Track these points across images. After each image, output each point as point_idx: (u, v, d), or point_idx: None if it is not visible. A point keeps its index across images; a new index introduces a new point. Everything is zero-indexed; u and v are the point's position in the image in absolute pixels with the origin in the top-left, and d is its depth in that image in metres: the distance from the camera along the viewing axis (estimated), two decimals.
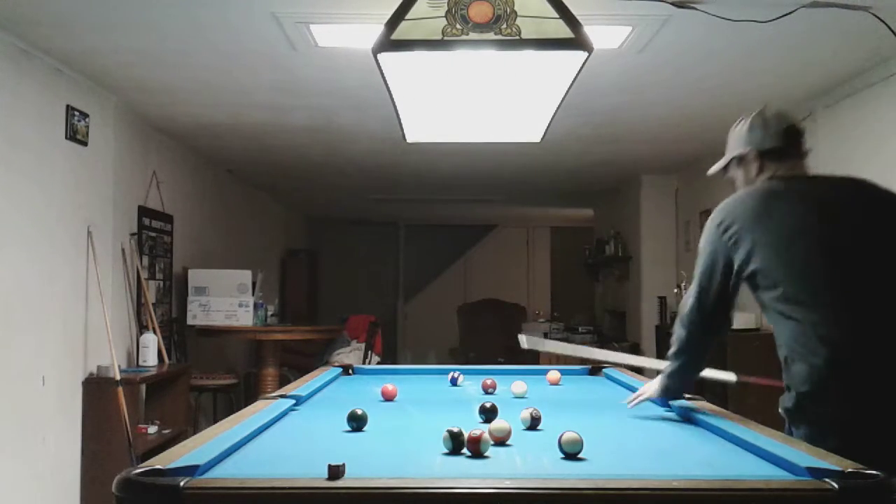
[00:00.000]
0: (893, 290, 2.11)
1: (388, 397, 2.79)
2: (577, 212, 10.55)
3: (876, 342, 2.05)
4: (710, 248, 2.23)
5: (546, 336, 8.16)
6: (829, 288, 2.09)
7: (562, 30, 2.32)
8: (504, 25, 2.31)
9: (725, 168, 2.41)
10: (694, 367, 2.37)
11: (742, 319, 5.29)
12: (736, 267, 2.17)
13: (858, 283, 2.10)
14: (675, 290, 6.52)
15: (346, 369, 3.70)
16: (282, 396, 2.64)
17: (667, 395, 2.41)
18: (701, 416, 2.32)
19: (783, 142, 2.29)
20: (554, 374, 3.33)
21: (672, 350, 2.33)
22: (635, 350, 7.59)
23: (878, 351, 2.04)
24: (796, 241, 2.13)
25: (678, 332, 2.30)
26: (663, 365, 2.42)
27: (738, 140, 2.35)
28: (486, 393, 3.00)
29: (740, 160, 2.34)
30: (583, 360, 2.79)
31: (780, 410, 2.15)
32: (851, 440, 1.92)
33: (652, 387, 2.44)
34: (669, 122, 5.31)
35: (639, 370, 2.80)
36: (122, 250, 4.98)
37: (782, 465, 1.71)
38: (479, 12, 2.31)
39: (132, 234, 5.15)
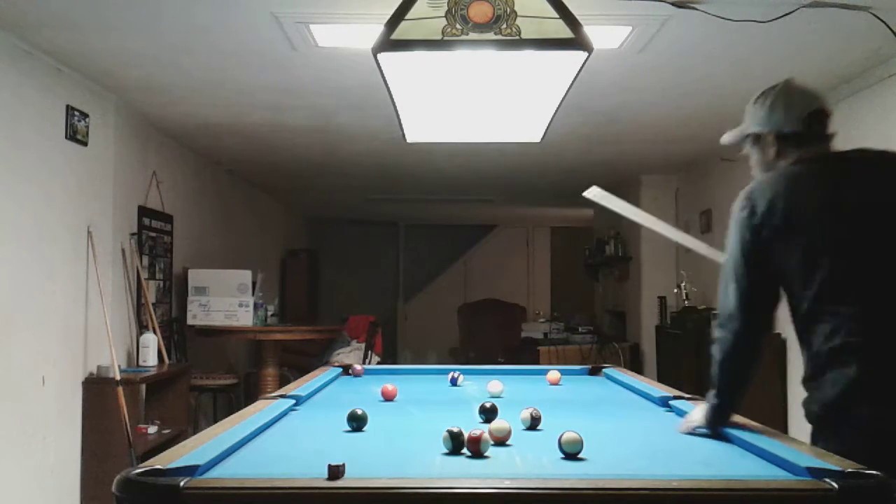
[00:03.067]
0: None
1: (388, 397, 2.79)
2: (577, 212, 10.54)
3: None
4: (739, 237, 2.05)
5: (545, 336, 8.15)
6: (858, 287, 1.96)
7: (562, 30, 2.32)
8: (504, 25, 2.31)
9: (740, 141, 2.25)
10: (738, 378, 2.08)
11: None
12: (768, 258, 2.01)
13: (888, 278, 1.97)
14: (675, 290, 6.53)
15: (346, 369, 3.70)
16: (282, 396, 2.64)
17: (715, 418, 2.09)
18: None
19: (806, 127, 2.10)
20: (554, 374, 3.34)
21: (713, 360, 2.09)
22: (635, 350, 7.59)
23: None
24: (824, 236, 1.98)
25: (716, 342, 2.07)
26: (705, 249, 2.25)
27: (756, 117, 2.17)
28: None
29: (756, 139, 2.18)
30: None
31: (805, 416, 2.05)
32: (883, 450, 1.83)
33: (700, 412, 2.15)
34: (669, 122, 5.31)
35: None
36: (122, 250, 4.97)
37: (782, 465, 1.71)
38: (479, 12, 2.31)
39: (132, 234, 5.15)
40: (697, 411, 2.16)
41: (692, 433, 2.13)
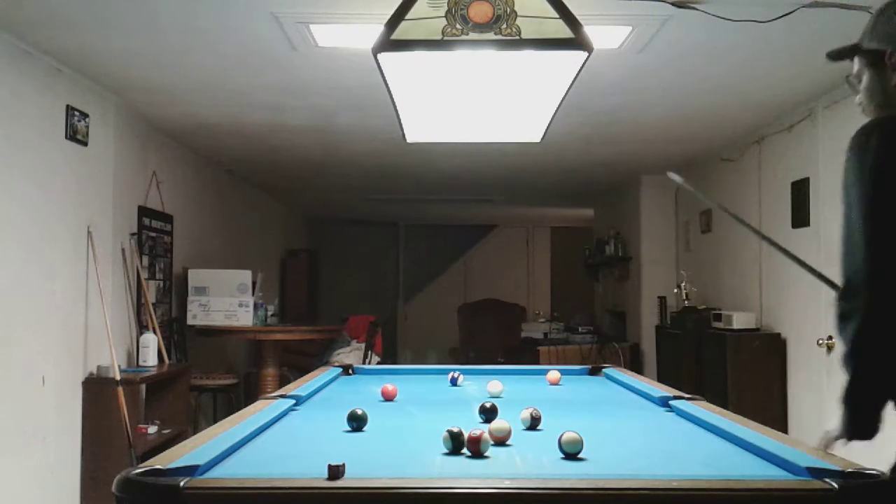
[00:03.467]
0: None
1: (388, 397, 2.79)
2: (577, 212, 10.55)
3: None
4: (863, 183, 1.55)
5: (545, 336, 8.16)
6: None
7: (562, 30, 2.32)
8: (504, 25, 2.31)
9: (848, 58, 1.75)
10: (870, 372, 1.60)
11: (742, 319, 5.30)
12: None
13: None
14: (675, 290, 6.53)
15: (346, 369, 3.70)
16: (282, 396, 2.64)
17: (846, 425, 1.67)
18: (701, 416, 2.33)
19: None
20: (554, 374, 3.34)
21: (842, 361, 1.64)
22: (635, 350, 7.59)
23: None
24: None
25: (839, 320, 1.61)
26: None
27: (880, 32, 1.68)
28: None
29: (874, 59, 1.70)
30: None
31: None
32: None
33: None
34: (669, 122, 5.30)
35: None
36: (122, 250, 4.97)
37: (782, 465, 1.71)
38: (479, 12, 2.31)
39: (132, 234, 5.15)
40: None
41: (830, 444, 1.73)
